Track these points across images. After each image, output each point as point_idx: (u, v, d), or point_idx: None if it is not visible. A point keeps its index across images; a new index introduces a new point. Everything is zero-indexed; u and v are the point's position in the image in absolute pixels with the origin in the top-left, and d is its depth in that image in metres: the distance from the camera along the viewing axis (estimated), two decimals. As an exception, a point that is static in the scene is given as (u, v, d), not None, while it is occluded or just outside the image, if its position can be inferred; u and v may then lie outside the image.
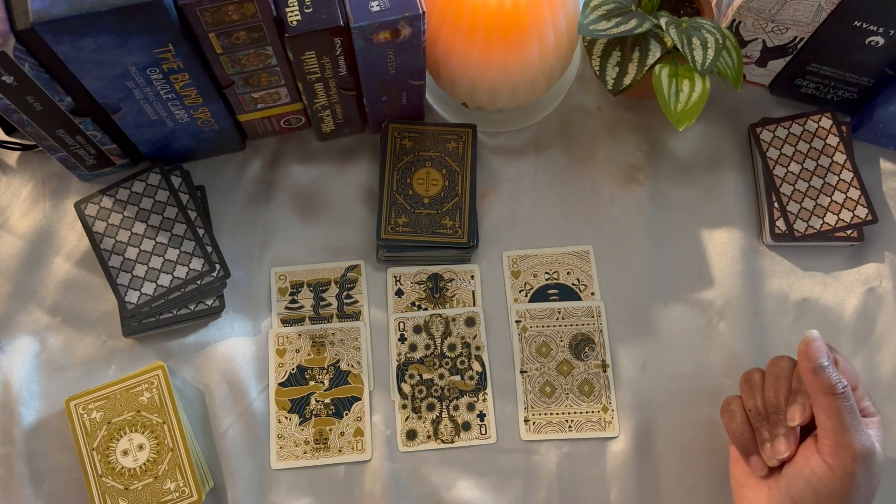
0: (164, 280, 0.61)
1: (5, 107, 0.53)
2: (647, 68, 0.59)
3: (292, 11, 0.53)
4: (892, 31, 0.59)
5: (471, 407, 0.62)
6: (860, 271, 0.66)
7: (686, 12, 0.66)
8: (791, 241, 0.65)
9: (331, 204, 0.67)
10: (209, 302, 0.63)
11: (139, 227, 0.62)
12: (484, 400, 0.62)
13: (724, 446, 0.60)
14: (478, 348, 0.63)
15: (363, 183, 0.68)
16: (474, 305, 0.64)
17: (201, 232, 0.63)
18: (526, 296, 0.65)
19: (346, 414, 0.61)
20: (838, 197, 0.65)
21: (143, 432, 0.58)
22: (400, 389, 0.62)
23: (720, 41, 0.58)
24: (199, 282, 0.61)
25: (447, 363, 0.63)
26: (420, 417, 0.61)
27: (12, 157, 0.68)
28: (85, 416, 0.58)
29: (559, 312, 0.64)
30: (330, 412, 0.62)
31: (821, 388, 0.49)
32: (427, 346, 0.63)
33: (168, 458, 0.58)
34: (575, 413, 0.62)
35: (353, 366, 0.63)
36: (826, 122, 0.67)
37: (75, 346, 0.63)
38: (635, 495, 0.60)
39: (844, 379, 0.49)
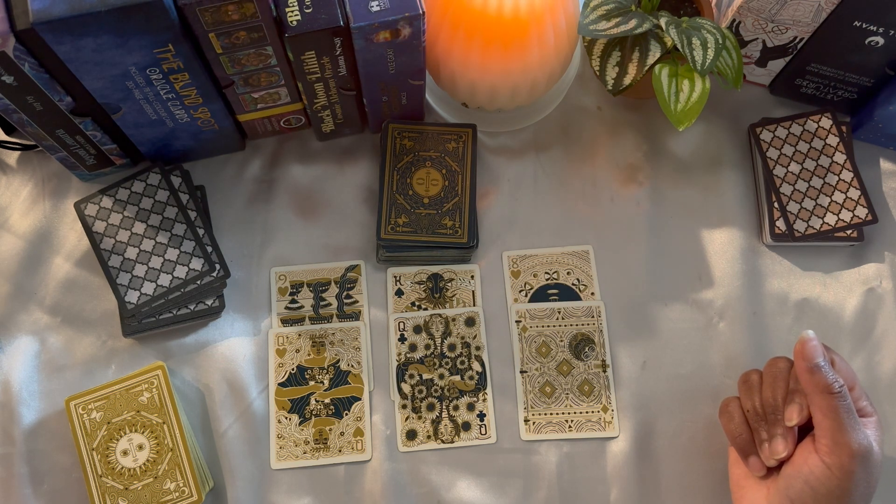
0: (164, 280, 0.61)
1: (5, 107, 0.54)
2: (647, 68, 0.59)
3: (292, 11, 0.53)
4: (892, 31, 0.59)
5: (471, 407, 0.62)
6: (860, 271, 0.66)
7: (686, 12, 0.66)
8: (791, 241, 0.65)
9: (331, 204, 0.67)
10: (209, 302, 0.63)
11: (139, 227, 0.62)
12: (484, 400, 0.62)
13: (724, 446, 0.60)
14: (478, 348, 0.63)
15: (363, 183, 0.68)
16: (474, 305, 0.64)
17: (201, 232, 0.63)
18: (526, 296, 0.65)
19: (346, 414, 0.62)
20: (838, 197, 0.65)
21: (142, 432, 0.58)
22: (400, 389, 0.62)
23: (720, 41, 0.58)
24: (199, 282, 0.61)
25: (447, 363, 0.63)
26: (420, 417, 0.61)
27: (12, 157, 0.68)
28: (85, 416, 0.58)
29: (559, 312, 0.64)
30: (330, 412, 0.62)
31: (817, 387, 0.49)
32: (427, 346, 0.63)
33: (168, 458, 0.58)
34: (575, 413, 0.62)
35: (353, 366, 0.63)
36: (826, 122, 0.67)
37: (75, 346, 0.63)
38: (635, 495, 0.60)
39: (841, 378, 0.49)
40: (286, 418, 0.61)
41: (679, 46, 0.57)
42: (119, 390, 0.59)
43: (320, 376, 0.62)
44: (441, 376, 0.62)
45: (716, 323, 0.64)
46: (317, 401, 0.62)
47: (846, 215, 0.64)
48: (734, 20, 0.63)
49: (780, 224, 0.65)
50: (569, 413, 0.62)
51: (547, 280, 0.65)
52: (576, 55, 0.70)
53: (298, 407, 0.62)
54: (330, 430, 0.61)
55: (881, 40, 0.60)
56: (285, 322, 0.64)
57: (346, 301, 0.65)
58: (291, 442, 0.61)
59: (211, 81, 0.57)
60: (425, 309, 0.64)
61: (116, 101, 0.56)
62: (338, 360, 0.63)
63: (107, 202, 0.63)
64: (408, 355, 0.63)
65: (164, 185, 0.64)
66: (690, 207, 0.67)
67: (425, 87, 0.63)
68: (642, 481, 0.60)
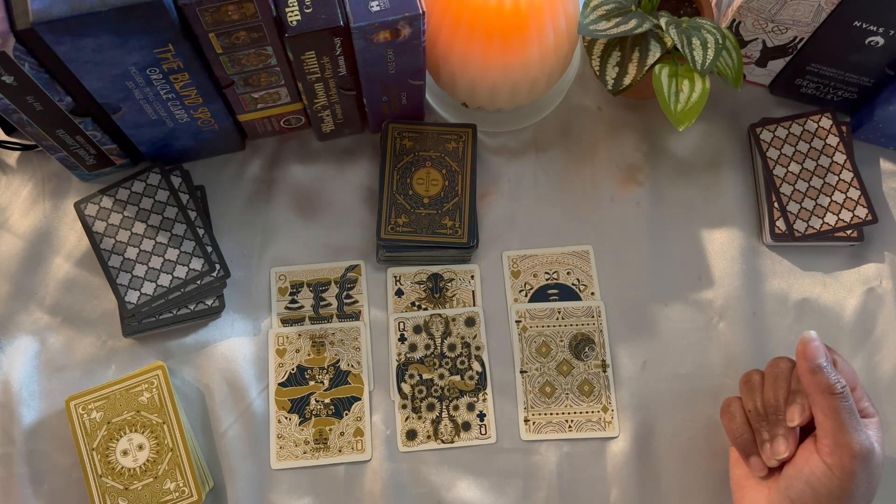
0: (164, 280, 0.61)
1: (5, 107, 0.53)
2: (647, 68, 0.59)
3: (292, 11, 0.53)
4: (892, 31, 0.59)
5: (471, 407, 0.62)
6: (860, 271, 0.66)
7: (686, 12, 0.66)
8: (791, 241, 0.65)
9: (331, 204, 0.67)
10: (209, 302, 0.63)
11: (139, 227, 0.62)
12: (484, 400, 0.62)
13: (724, 446, 0.60)
14: (478, 348, 0.63)
15: (363, 183, 0.68)
16: (474, 305, 0.64)
17: (201, 232, 0.63)
18: (526, 296, 0.65)
19: (346, 414, 0.62)
20: (838, 197, 0.65)
21: (142, 432, 0.58)
22: (400, 389, 0.62)
23: (720, 41, 0.58)
24: (199, 282, 0.61)
25: (447, 363, 0.63)
26: (420, 417, 0.61)
27: (12, 157, 0.68)
28: (85, 416, 0.58)
29: (559, 312, 0.64)
30: (330, 412, 0.62)
31: (819, 388, 0.49)
32: (427, 346, 0.63)
33: (168, 458, 0.58)
34: (575, 413, 0.62)
35: (353, 366, 0.63)
36: (826, 122, 0.67)
37: (75, 346, 0.63)
38: (635, 495, 0.60)
39: (843, 379, 0.49)
40: (286, 418, 0.61)
41: (679, 46, 0.57)
42: (119, 390, 0.59)
43: (320, 376, 0.62)
44: (441, 376, 0.62)
45: (716, 323, 0.64)
46: (317, 401, 0.62)
47: (846, 215, 0.64)
48: (734, 20, 0.63)
49: (780, 224, 0.65)
50: (569, 413, 0.62)
51: (547, 280, 0.65)
52: (576, 55, 0.70)
53: (298, 407, 0.62)
54: (330, 430, 0.61)
55: (881, 40, 0.60)
56: (285, 322, 0.64)
57: (346, 301, 0.65)
58: (291, 442, 0.61)
59: (211, 81, 0.57)
60: (425, 309, 0.64)
61: (116, 101, 0.56)
62: (338, 360, 0.63)
63: (107, 202, 0.63)
64: (408, 355, 0.63)
65: (164, 185, 0.64)
66: (690, 207, 0.67)
67: (425, 87, 0.63)
68: (642, 481, 0.60)
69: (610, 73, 0.60)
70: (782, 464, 0.52)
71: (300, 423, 0.61)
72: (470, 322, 0.64)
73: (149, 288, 0.61)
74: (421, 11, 0.53)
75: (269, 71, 0.58)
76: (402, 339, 0.63)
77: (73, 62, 0.51)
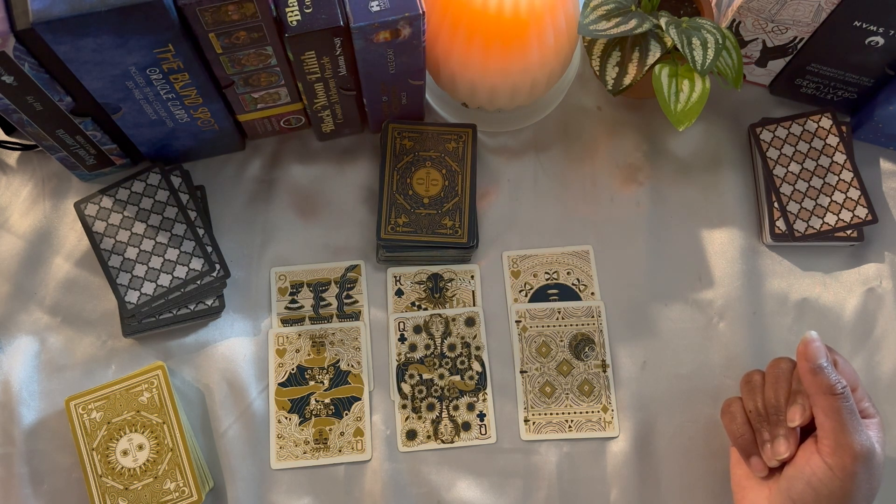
0: (164, 280, 0.61)
1: (5, 107, 0.53)
2: (647, 68, 0.59)
3: (292, 11, 0.53)
4: (892, 31, 0.59)
5: (471, 407, 0.62)
6: (860, 271, 0.66)
7: (686, 12, 0.66)
8: (791, 241, 0.65)
9: (331, 204, 0.67)
10: (209, 302, 0.63)
11: (139, 227, 0.62)
12: (484, 400, 0.62)
13: (724, 446, 0.60)
14: (478, 348, 0.63)
15: (363, 183, 0.68)
16: (474, 305, 0.64)
17: (201, 232, 0.63)
18: (526, 296, 0.65)
19: (346, 414, 0.61)
20: (838, 197, 0.65)
21: (142, 432, 0.58)
22: (400, 389, 0.62)
23: (720, 41, 0.58)
24: (199, 282, 0.61)
25: (447, 363, 0.63)
26: (420, 417, 0.61)
27: (12, 157, 0.68)
28: (85, 416, 0.58)
29: (559, 312, 0.64)
30: (330, 412, 0.62)
31: (820, 388, 0.49)
32: (427, 346, 0.63)
33: (168, 458, 0.58)
34: (575, 413, 0.62)
35: (353, 366, 0.63)
36: (826, 122, 0.67)
37: (75, 346, 0.63)
38: (635, 495, 0.60)
39: (843, 380, 0.49)
40: (286, 418, 0.61)
41: (679, 46, 0.57)
42: (119, 390, 0.59)
43: (320, 376, 0.62)
44: (441, 376, 0.62)
45: (716, 323, 0.64)
46: (317, 401, 0.62)
47: (846, 215, 0.64)
48: (734, 20, 0.63)
49: (780, 224, 0.65)
50: (569, 413, 0.62)
51: (547, 280, 0.65)
52: (576, 55, 0.70)
53: (298, 407, 0.62)
54: (330, 430, 0.61)
55: (881, 40, 0.60)
56: (285, 322, 0.64)
57: (346, 301, 0.65)
58: (291, 442, 0.61)
59: (211, 81, 0.57)
60: (425, 309, 0.64)
61: (116, 101, 0.56)
62: (338, 360, 0.63)
63: (107, 202, 0.63)
64: (408, 355, 0.63)
65: (164, 185, 0.64)
66: (690, 207, 0.67)
67: (425, 87, 0.63)
68: (642, 481, 0.60)
69: (610, 73, 0.60)
70: (783, 464, 0.52)
71: (300, 423, 0.61)
72: (470, 322, 0.64)
73: (149, 288, 0.61)
74: (421, 12, 0.53)
75: (269, 71, 0.58)
76: (402, 339, 0.63)
77: (73, 62, 0.51)
